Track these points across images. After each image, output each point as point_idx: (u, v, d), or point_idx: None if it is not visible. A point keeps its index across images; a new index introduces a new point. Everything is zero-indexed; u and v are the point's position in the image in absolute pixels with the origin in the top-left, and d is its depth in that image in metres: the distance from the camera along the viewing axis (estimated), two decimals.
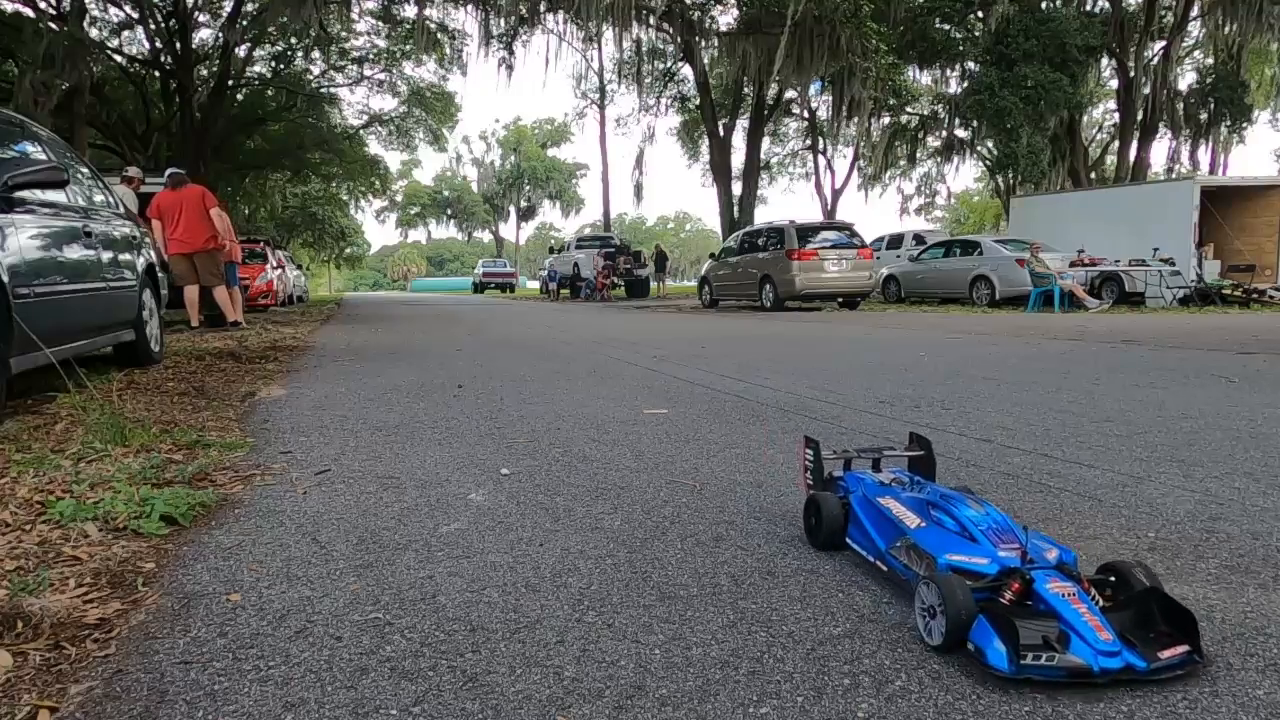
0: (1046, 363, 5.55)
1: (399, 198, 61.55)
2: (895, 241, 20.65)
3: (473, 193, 65.22)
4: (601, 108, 32.88)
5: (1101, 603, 1.33)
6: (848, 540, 1.77)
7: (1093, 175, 27.55)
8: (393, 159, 71.33)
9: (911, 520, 1.60)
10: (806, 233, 14.74)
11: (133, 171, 8.87)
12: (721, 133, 25.73)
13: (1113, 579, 1.39)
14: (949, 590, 1.29)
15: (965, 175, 78.53)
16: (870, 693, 1.21)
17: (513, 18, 23.29)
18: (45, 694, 1.22)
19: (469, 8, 23.41)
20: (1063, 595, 1.29)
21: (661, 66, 28.82)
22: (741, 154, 26.30)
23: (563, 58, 70.80)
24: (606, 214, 33.22)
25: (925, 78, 26.51)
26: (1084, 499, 2.19)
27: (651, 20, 22.36)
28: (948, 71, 25.25)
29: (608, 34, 23.69)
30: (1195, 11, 22.79)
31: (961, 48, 23.78)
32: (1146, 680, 1.21)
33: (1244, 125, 25.76)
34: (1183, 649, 1.24)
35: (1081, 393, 4.09)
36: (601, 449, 2.90)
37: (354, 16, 24.71)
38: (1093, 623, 1.24)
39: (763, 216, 32.28)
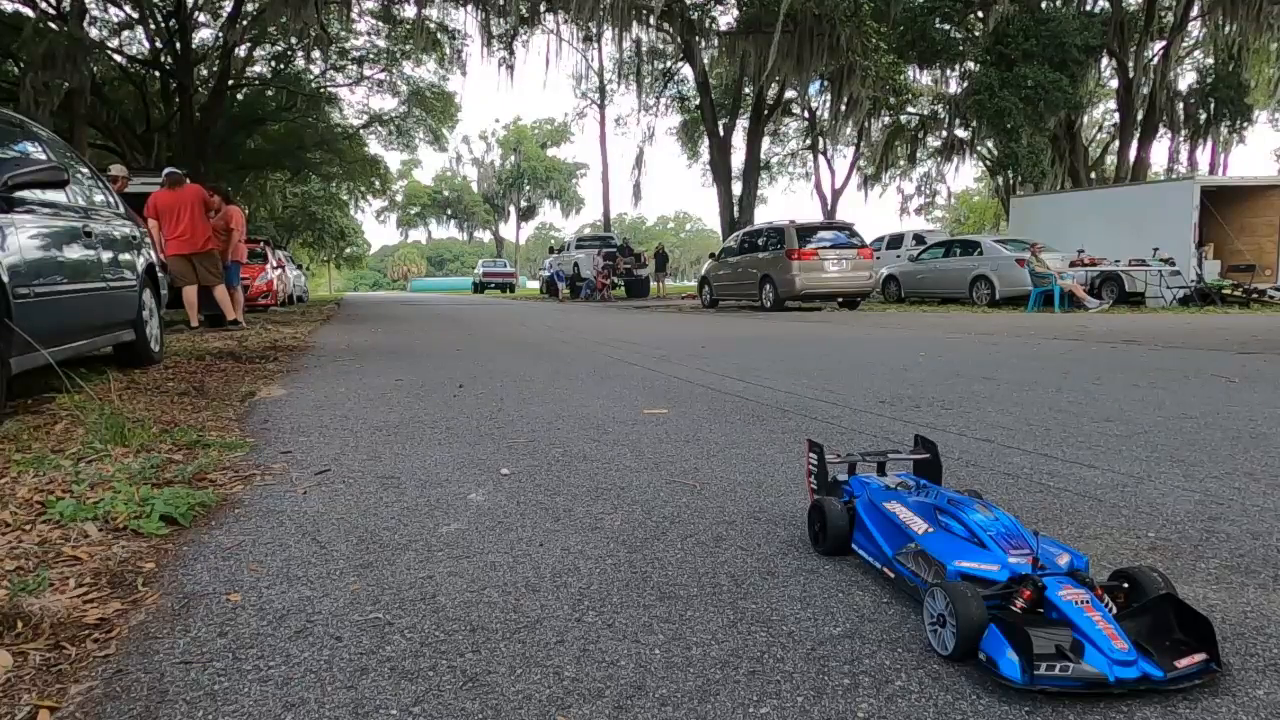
0: (1046, 363, 5.54)
1: (399, 198, 61.60)
2: (895, 241, 20.66)
3: (473, 193, 65.21)
4: (601, 108, 33.00)
5: (1115, 610, 1.30)
6: (853, 546, 1.74)
7: (1093, 175, 27.55)
8: (393, 159, 71.50)
9: (919, 525, 1.56)
10: (806, 233, 14.73)
11: (116, 170, 8.34)
12: (721, 133, 25.74)
13: (1126, 585, 1.36)
14: (960, 599, 1.27)
15: (965, 175, 78.44)
16: (870, 693, 1.21)
17: (513, 18, 23.31)
18: (45, 694, 1.22)
19: (469, 8, 23.45)
20: (1076, 603, 1.26)
21: (661, 66, 28.86)
22: (741, 154, 26.32)
23: (563, 58, 70.87)
24: (606, 214, 33.27)
25: (925, 78, 26.51)
26: (1084, 499, 2.19)
27: (651, 20, 22.37)
28: (948, 71, 25.26)
29: (607, 34, 23.73)
30: (1195, 11, 22.79)
31: (961, 48, 23.78)
32: (1164, 690, 1.18)
33: (1244, 125, 25.80)
34: (1200, 657, 1.21)
35: (1081, 393, 4.09)
36: (601, 449, 2.90)
37: (354, 16, 24.74)
38: (1107, 631, 1.21)
39: (763, 216, 32.32)
